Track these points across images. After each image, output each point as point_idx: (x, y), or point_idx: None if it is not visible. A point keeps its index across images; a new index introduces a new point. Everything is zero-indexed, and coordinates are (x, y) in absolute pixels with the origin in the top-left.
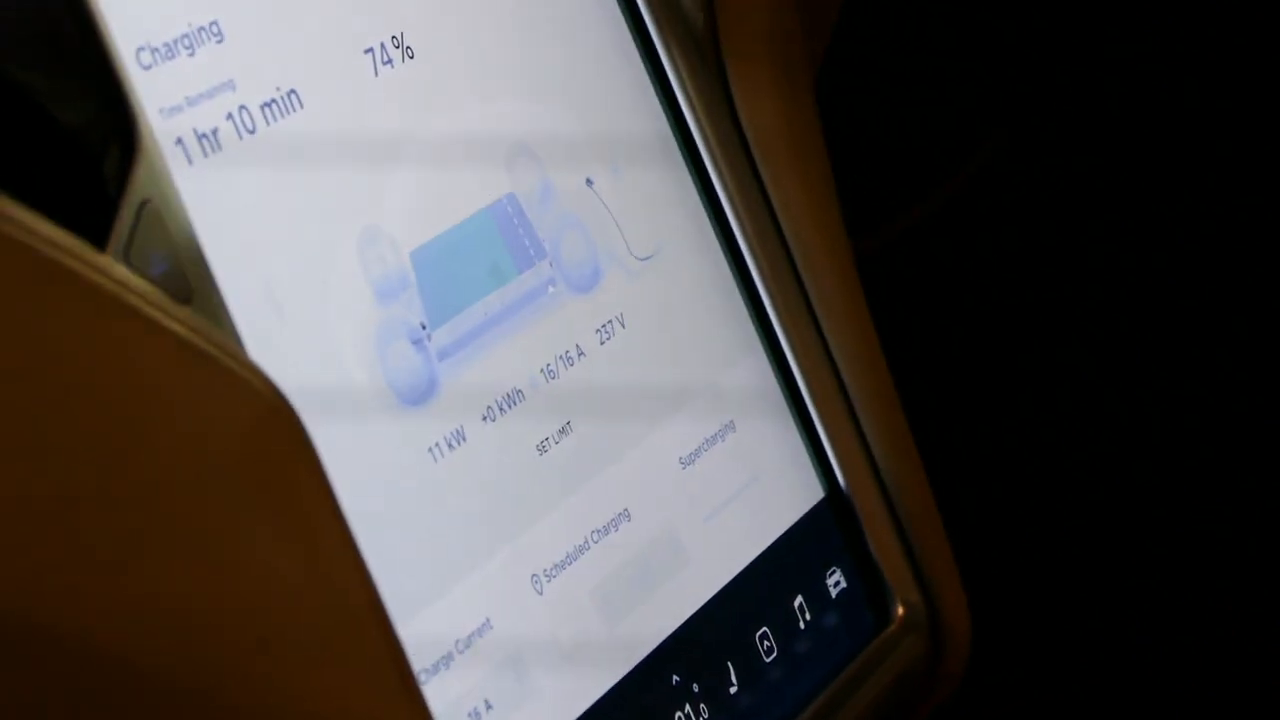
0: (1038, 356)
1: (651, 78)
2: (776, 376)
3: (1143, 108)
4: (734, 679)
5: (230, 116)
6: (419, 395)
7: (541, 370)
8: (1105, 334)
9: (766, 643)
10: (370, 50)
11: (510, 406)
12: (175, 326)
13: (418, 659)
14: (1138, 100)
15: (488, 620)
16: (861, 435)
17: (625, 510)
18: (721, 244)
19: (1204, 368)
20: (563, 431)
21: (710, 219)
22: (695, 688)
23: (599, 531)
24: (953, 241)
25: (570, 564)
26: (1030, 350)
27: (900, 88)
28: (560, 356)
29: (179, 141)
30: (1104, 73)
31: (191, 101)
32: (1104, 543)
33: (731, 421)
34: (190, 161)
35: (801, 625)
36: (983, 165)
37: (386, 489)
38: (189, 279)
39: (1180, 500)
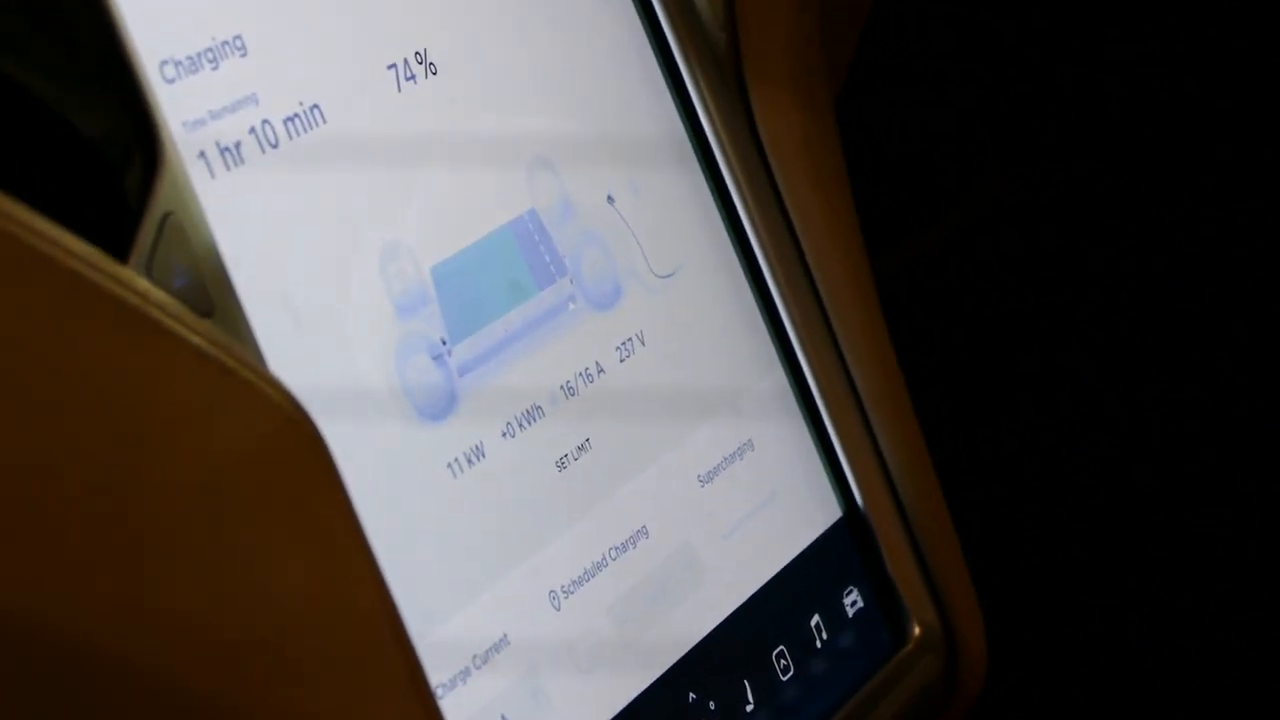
0: (1057, 375)
1: (673, 96)
2: (795, 395)
3: (1147, 118)
4: (750, 697)
5: (253, 130)
6: (439, 410)
7: (561, 387)
8: (1127, 354)
9: (783, 661)
10: (394, 66)
11: (530, 423)
12: (196, 340)
13: (435, 673)
14: (1144, 111)
15: (505, 635)
16: (879, 454)
17: (643, 527)
18: (741, 262)
19: (1222, 381)
20: (582, 448)
21: (730, 237)
22: (712, 705)
23: (617, 548)
24: (969, 260)
25: (588, 580)
26: (1050, 369)
27: (919, 107)
28: (580, 373)
29: (201, 155)
30: (1110, 84)
31: (215, 115)
32: (1122, 562)
33: (750, 440)
34: (213, 175)
35: (818, 644)
36: (1000, 185)
37: (405, 503)
38: (210, 292)
39: (1198, 512)
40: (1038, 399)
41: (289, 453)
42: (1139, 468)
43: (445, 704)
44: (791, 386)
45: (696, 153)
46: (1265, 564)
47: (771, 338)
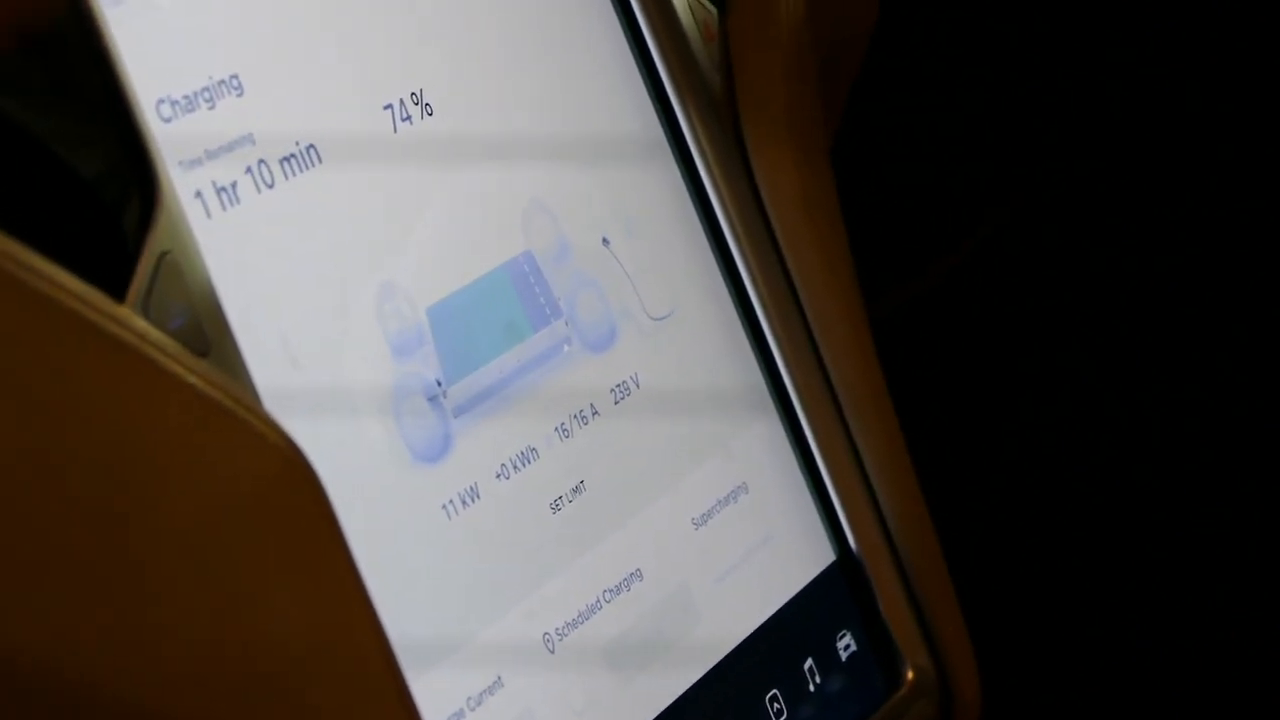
0: (1054, 421)
1: (669, 139)
2: (789, 438)
3: (1144, 120)
4: None
5: (249, 170)
6: (434, 452)
7: (556, 429)
8: (1131, 398)
9: (776, 705)
10: (390, 106)
11: (524, 465)
12: (193, 379)
13: (430, 716)
14: (1140, 114)
15: (499, 678)
16: (873, 498)
17: (638, 570)
18: (736, 305)
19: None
20: (576, 490)
21: (725, 280)
22: None
23: (611, 590)
24: (964, 304)
25: (582, 623)
26: (1046, 416)
27: (913, 152)
28: (574, 415)
29: (198, 194)
30: (1105, 95)
31: (211, 155)
32: (1123, 608)
33: (744, 483)
34: (209, 214)
35: (811, 688)
36: (994, 229)
37: (400, 545)
38: (207, 331)
39: (1205, 554)
40: (1034, 443)
41: (286, 494)
42: (1142, 510)
43: None
44: (785, 430)
45: (692, 196)
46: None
47: (766, 381)
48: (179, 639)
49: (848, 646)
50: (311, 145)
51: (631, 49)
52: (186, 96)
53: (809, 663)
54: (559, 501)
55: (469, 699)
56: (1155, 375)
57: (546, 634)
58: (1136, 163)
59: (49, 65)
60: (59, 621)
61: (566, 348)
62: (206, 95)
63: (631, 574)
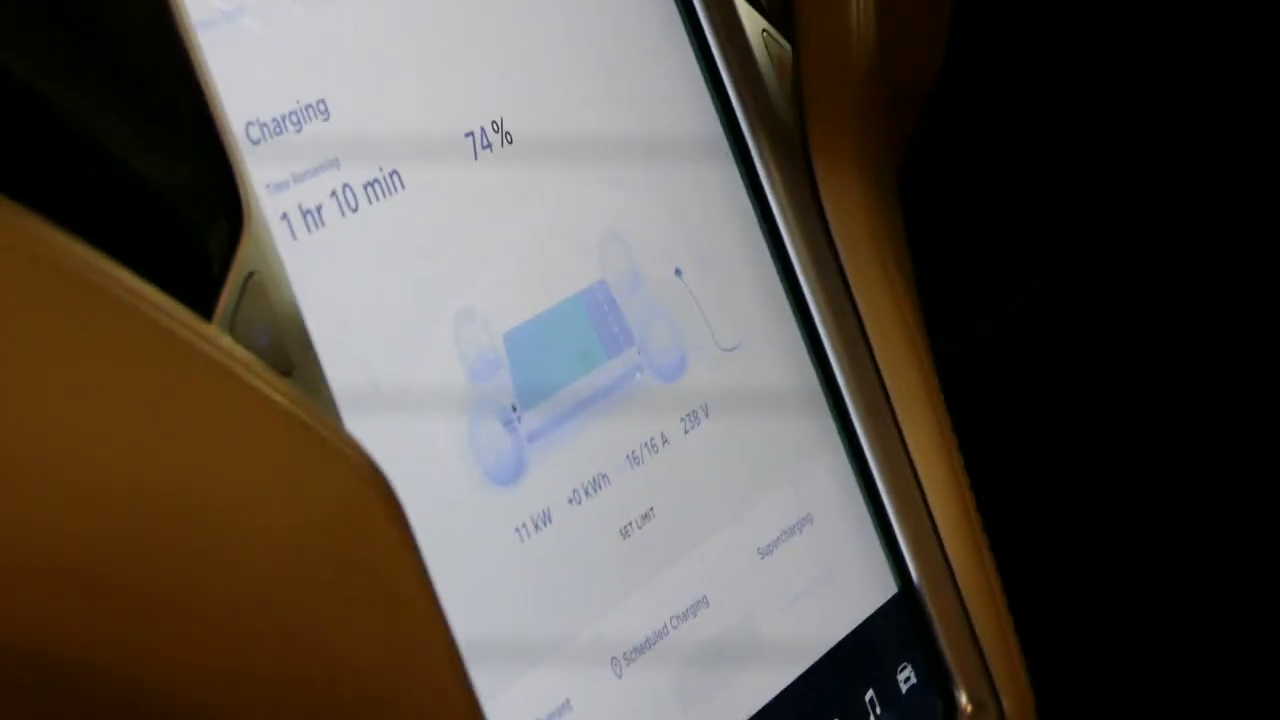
0: (1120, 458)
1: (741, 172)
2: (853, 470)
3: (1203, 172)
4: None
5: (334, 194)
6: (508, 475)
7: (627, 456)
8: (1192, 440)
9: None
10: (471, 134)
11: (596, 490)
12: (278, 398)
13: None
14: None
15: (568, 700)
16: (935, 531)
17: (704, 597)
18: (804, 337)
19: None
20: (646, 517)
21: (794, 312)
22: None
23: (678, 617)
24: (1034, 340)
25: (649, 648)
26: (1112, 452)
27: (981, 187)
28: (645, 443)
29: (284, 217)
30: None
31: (297, 178)
32: (1177, 644)
33: (809, 514)
34: (294, 237)
35: (872, 719)
36: (1060, 266)
37: (473, 566)
38: (290, 351)
39: (1251, 593)
40: (1097, 480)
41: (366, 514)
42: (1196, 543)
43: None
44: (850, 462)
45: (763, 229)
46: None
47: (832, 413)
48: (259, 655)
49: (908, 679)
50: (395, 171)
51: (707, 83)
52: (275, 119)
53: (870, 694)
54: (629, 528)
55: None
56: (1202, 420)
57: (614, 658)
58: (1191, 216)
59: (143, 89)
60: (141, 637)
61: (639, 376)
62: (294, 119)
63: (698, 601)
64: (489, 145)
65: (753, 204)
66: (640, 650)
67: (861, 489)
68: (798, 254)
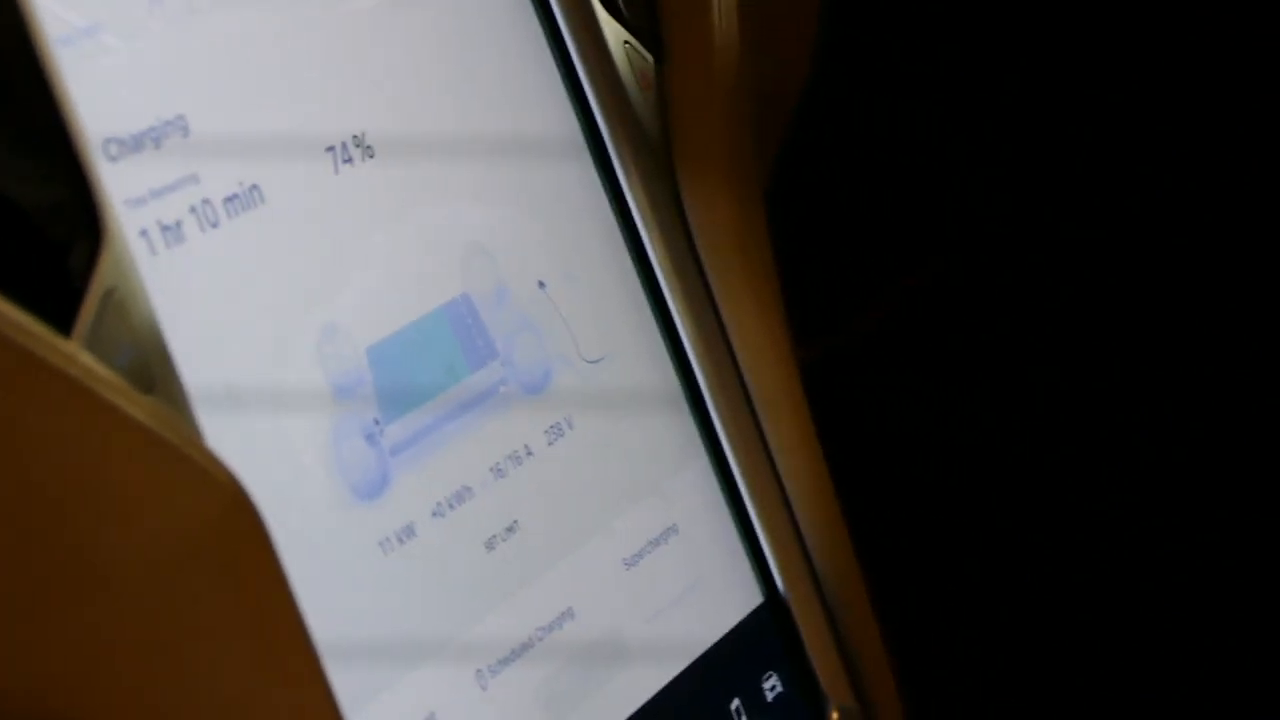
0: (986, 467)
1: (604, 184)
2: (719, 481)
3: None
4: None
5: (194, 209)
6: (371, 490)
7: (491, 468)
8: (1058, 441)
9: None
10: (332, 148)
11: (459, 503)
12: (139, 416)
13: None
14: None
15: (432, 714)
16: (801, 540)
17: (570, 609)
18: (669, 349)
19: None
20: (510, 529)
21: (658, 324)
22: None
23: (544, 629)
24: (894, 350)
25: (515, 660)
26: (979, 461)
27: (848, 195)
28: (509, 455)
29: (143, 233)
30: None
31: (156, 194)
32: (1052, 645)
33: (675, 524)
34: (154, 252)
35: None
36: (929, 277)
37: (336, 581)
38: (152, 369)
39: (1139, 595)
40: (961, 484)
41: (231, 532)
42: (1076, 550)
43: None
44: (715, 472)
45: (627, 241)
46: None
47: (697, 424)
48: (122, 677)
49: (774, 687)
50: (255, 186)
51: (569, 95)
52: (133, 136)
53: (736, 703)
54: (493, 540)
55: None
56: (1088, 418)
57: (479, 671)
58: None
59: None
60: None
61: (502, 389)
62: (153, 135)
63: (564, 613)
64: (350, 159)
65: (616, 216)
66: (505, 663)
67: (727, 499)
68: (661, 265)
